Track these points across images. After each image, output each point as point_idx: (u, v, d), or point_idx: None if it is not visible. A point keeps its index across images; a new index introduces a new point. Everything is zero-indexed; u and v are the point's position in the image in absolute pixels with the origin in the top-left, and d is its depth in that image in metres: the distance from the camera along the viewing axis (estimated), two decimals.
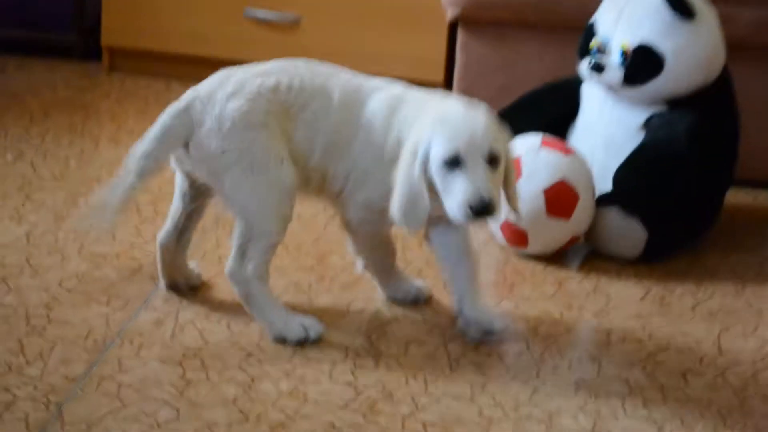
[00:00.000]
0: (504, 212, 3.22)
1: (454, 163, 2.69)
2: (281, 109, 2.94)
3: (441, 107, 2.82)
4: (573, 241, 3.61)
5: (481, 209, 2.67)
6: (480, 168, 2.68)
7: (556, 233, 3.55)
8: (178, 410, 2.53)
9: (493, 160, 2.71)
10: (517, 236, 3.57)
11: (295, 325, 2.90)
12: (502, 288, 3.45)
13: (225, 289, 3.14)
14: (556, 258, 3.62)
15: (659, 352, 3.10)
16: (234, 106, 2.91)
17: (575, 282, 3.50)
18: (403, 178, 2.77)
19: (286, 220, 2.92)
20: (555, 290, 3.43)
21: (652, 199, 3.55)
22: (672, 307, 3.36)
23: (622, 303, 3.38)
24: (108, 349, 2.81)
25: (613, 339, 3.15)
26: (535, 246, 3.58)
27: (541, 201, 3.50)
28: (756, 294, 3.47)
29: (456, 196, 2.69)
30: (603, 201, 3.59)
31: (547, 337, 3.14)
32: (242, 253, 2.89)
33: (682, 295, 3.44)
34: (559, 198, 3.51)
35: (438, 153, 2.70)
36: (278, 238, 2.91)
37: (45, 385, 2.60)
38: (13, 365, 2.68)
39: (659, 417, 2.74)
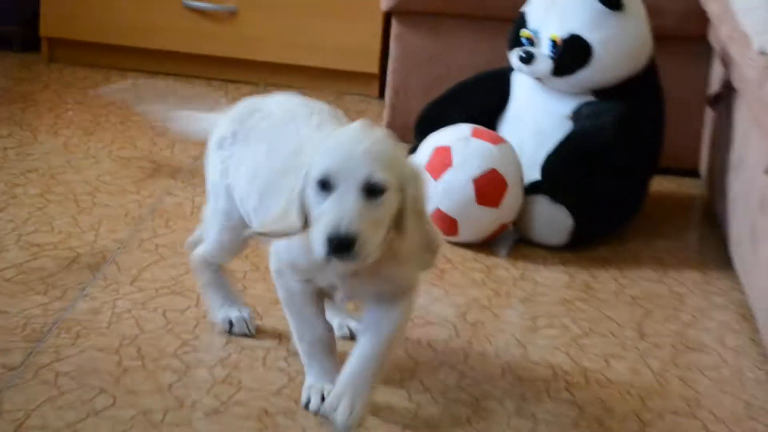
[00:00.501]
0: (431, 201, 3.29)
1: (324, 185, 2.26)
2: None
3: (338, 131, 2.42)
4: (502, 229, 3.65)
5: (339, 242, 2.19)
6: (350, 195, 2.22)
7: (485, 221, 3.60)
8: (114, 397, 2.53)
9: (372, 190, 2.23)
10: (447, 224, 3.60)
11: (222, 316, 2.87)
12: (432, 275, 3.43)
13: (161, 278, 3.17)
14: (485, 246, 3.66)
15: (583, 336, 3.15)
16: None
17: (503, 269, 3.53)
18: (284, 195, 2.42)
19: (228, 249, 2.86)
20: (483, 277, 3.46)
21: (578, 188, 3.61)
22: (596, 292, 3.41)
23: (549, 289, 3.42)
24: (45, 339, 2.78)
25: (539, 324, 3.20)
26: (465, 234, 3.62)
27: (471, 190, 3.54)
28: (677, 279, 3.52)
29: (318, 225, 2.25)
30: (531, 189, 3.65)
31: (475, 324, 3.17)
32: (202, 236, 2.90)
33: (606, 281, 3.49)
34: (489, 187, 3.56)
35: (312, 173, 2.29)
36: (217, 258, 2.87)
37: None
38: None
39: (582, 400, 2.79)
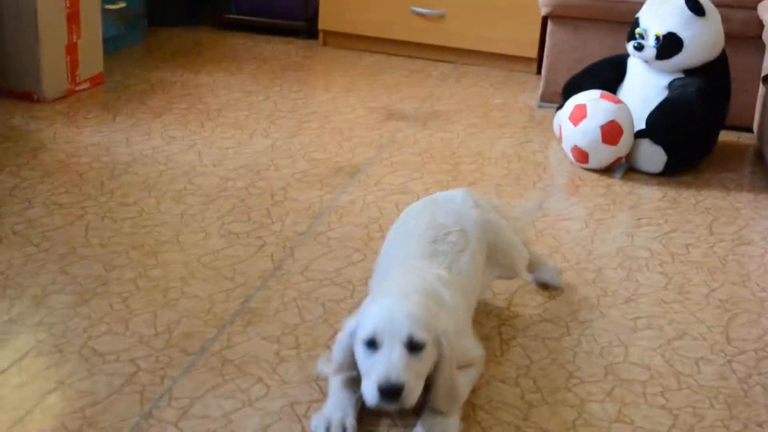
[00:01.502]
0: (570, 139, 3.31)
1: (371, 344, 1.89)
2: None
3: (381, 298, 2.00)
4: (617, 161, 3.64)
5: (388, 390, 1.83)
6: (396, 351, 1.86)
7: (607, 154, 3.59)
8: (269, 387, 2.11)
9: (414, 347, 1.88)
10: (581, 156, 3.62)
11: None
12: (571, 188, 3.47)
13: (322, 270, 2.65)
14: (606, 171, 3.65)
15: (670, 232, 3.16)
16: None
17: (617, 186, 3.53)
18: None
19: None
20: (605, 191, 3.47)
21: (671, 134, 3.58)
22: (680, 204, 3.39)
23: (648, 200, 3.42)
24: (225, 326, 2.34)
25: (641, 223, 3.22)
26: (593, 163, 3.62)
27: (598, 133, 3.54)
28: (736, 198, 3.49)
29: (369, 377, 1.87)
30: (638, 135, 3.62)
31: (598, 221, 3.19)
32: None
33: (687, 197, 3.47)
34: (610, 132, 3.55)
35: (359, 334, 1.92)
36: None
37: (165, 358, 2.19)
38: (143, 337, 2.27)
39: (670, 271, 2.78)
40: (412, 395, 1.86)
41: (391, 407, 1.88)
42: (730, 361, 2.37)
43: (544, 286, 2.65)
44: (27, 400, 2.03)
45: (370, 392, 1.85)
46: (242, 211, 3.02)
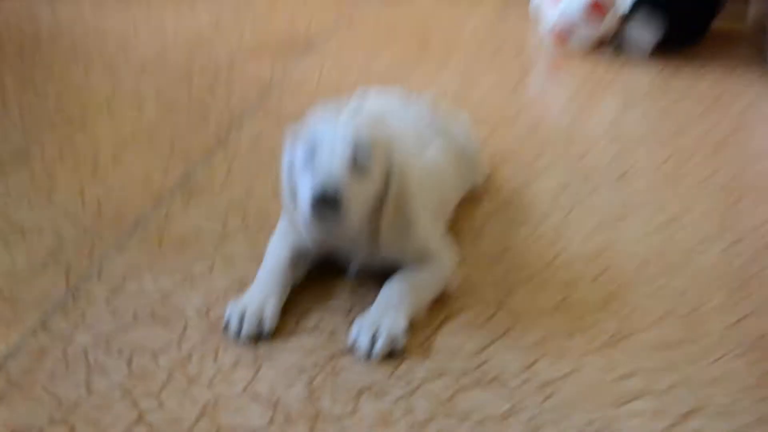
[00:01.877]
0: (550, 16, 3.24)
1: (312, 154, 1.77)
2: None
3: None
4: (605, 40, 3.61)
5: (324, 198, 1.69)
6: (336, 157, 1.74)
7: (591, 32, 3.57)
8: (213, 264, 2.03)
9: (359, 166, 1.76)
10: (562, 35, 3.59)
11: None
12: (551, 70, 3.46)
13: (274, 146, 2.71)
14: (593, 51, 3.61)
15: (669, 104, 3.14)
16: None
17: (603, 70, 3.48)
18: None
19: None
20: (589, 73, 3.42)
21: (665, 8, 3.53)
22: (673, 86, 3.35)
23: (639, 83, 3.38)
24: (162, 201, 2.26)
25: (628, 105, 3.16)
26: (576, 42, 3.58)
27: (582, 8, 3.51)
28: (733, 83, 3.44)
29: (305, 184, 1.76)
30: (627, 12, 3.56)
31: (583, 104, 3.14)
32: None
33: (683, 77, 3.43)
34: (595, 5, 3.51)
35: (300, 145, 1.82)
36: None
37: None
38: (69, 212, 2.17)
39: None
40: (352, 213, 1.73)
41: (330, 226, 1.73)
42: (727, 248, 2.30)
43: None
44: None
45: (305, 204, 1.72)
46: (182, 84, 2.94)
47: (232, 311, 1.80)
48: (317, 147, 1.76)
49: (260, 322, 1.78)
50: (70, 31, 3.16)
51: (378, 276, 1.94)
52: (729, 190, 2.58)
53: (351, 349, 1.77)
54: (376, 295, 1.88)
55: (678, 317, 1.98)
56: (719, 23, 3.91)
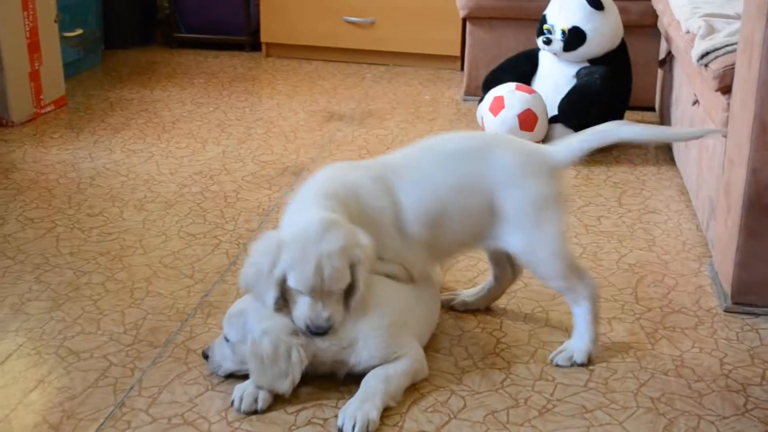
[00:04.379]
0: (491, 128, 3.35)
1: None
2: None
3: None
4: None
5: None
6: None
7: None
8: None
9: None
10: None
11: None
12: None
13: None
14: None
15: (584, 206, 3.21)
16: None
17: None
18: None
19: None
20: None
21: (580, 118, 3.61)
22: (593, 180, 3.46)
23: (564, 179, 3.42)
24: (187, 319, 2.36)
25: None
26: None
27: (516, 121, 3.60)
28: (642, 171, 3.56)
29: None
30: (552, 120, 3.69)
31: None
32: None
33: (599, 173, 3.53)
34: (527, 119, 3.62)
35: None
36: None
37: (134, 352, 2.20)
38: (114, 334, 2.27)
39: None
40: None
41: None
42: (638, 319, 2.44)
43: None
44: (11, 399, 2.04)
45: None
46: (198, 214, 3.05)
47: (237, 392, 1.98)
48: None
49: (255, 401, 1.96)
50: (106, 177, 3.24)
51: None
52: (636, 270, 2.70)
53: None
54: (342, 388, 2.04)
55: (595, 385, 2.12)
56: (632, 115, 4.03)
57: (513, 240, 2.15)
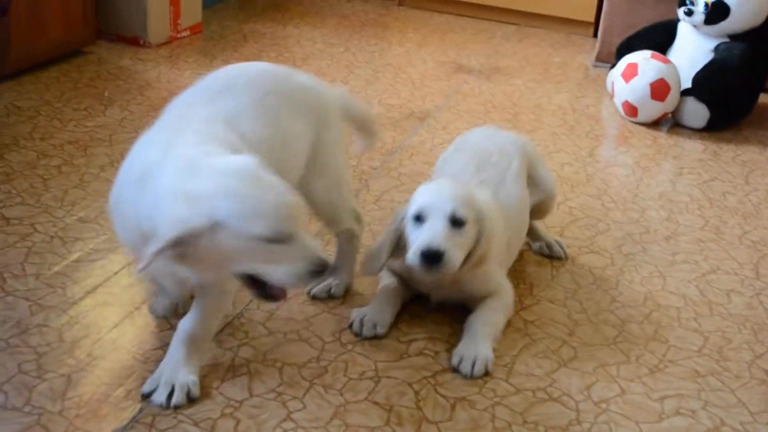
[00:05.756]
0: (621, 95, 3.33)
1: (418, 218, 1.96)
2: None
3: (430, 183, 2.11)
4: (664, 116, 3.64)
5: (429, 255, 1.90)
6: (439, 223, 1.94)
7: (655, 110, 3.59)
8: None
9: (456, 222, 1.95)
10: (631, 110, 3.62)
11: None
12: (620, 139, 3.48)
13: (393, 200, 2.96)
14: (654, 125, 3.65)
15: (710, 180, 3.17)
16: None
17: (663, 139, 3.53)
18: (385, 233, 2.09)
19: None
20: (651, 142, 3.48)
21: (715, 93, 3.56)
22: (720, 157, 3.40)
23: (690, 152, 3.43)
24: None
25: (683, 172, 3.22)
26: (642, 117, 3.62)
27: (647, 90, 3.54)
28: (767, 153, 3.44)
29: (414, 244, 1.94)
30: (685, 93, 3.61)
31: (644, 169, 3.22)
32: None
33: (726, 151, 3.47)
34: (659, 89, 3.55)
35: (409, 211, 1.99)
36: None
37: None
38: None
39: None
40: (452, 262, 1.91)
41: (433, 272, 1.92)
42: (758, 294, 2.41)
43: (549, 256, 2.49)
44: (135, 298, 2.12)
45: (413, 257, 1.92)
46: None
47: (355, 316, 2.05)
48: (423, 211, 1.96)
49: (375, 327, 2.02)
50: None
51: (451, 307, 2.13)
52: (759, 248, 2.66)
53: (455, 371, 1.95)
54: (453, 325, 2.08)
55: (708, 352, 2.10)
56: (767, 98, 3.95)
57: None
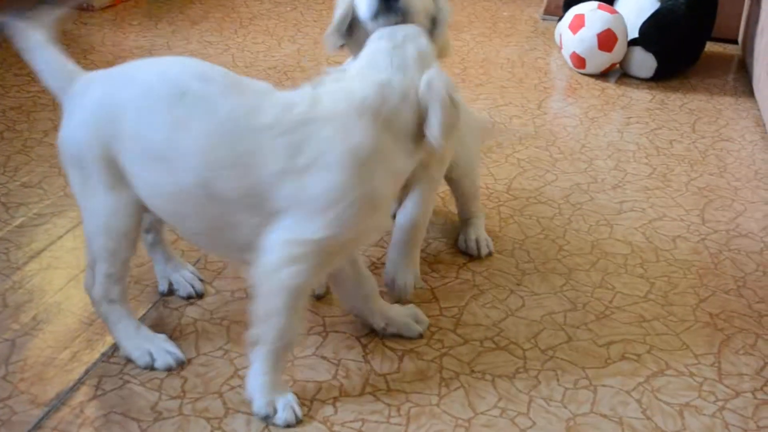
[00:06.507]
0: (569, 46, 3.34)
1: None
2: None
3: None
4: (612, 66, 3.66)
5: None
6: None
7: (603, 60, 3.61)
8: None
9: None
10: (579, 62, 3.64)
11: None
12: (568, 90, 3.48)
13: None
14: (602, 76, 3.67)
15: (657, 129, 3.19)
16: None
17: (611, 90, 3.55)
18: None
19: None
20: (599, 93, 3.49)
21: (661, 42, 3.58)
22: (667, 105, 3.42)
23: (639, 102, 3.44)
24: None
25: (631, 121, 3.24)
26: (590, 68, 3.64)
27: (594, 41, 3.56)
28: (719, 101, 3.51)
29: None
30: (632, 43, 3.62)
31: (591, 119, 3.23)
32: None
33: (674, 99, 3.49)
34: (606, 39, 3.56)
35: None
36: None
37: None
38: None
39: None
40: (412, 10, 1.70)
41: (390, 19, 1.70)
42: (703, 239, 2.43)
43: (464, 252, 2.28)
44: (79, 260, 2.10)
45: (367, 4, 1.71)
46: None
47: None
48: None
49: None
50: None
51: None
52: (705, 194, 2.69)
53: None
54: None
55: (654, 297, 2.12)
56: (713, 47, 3.97)
57: None
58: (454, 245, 2.27)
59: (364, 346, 1.87)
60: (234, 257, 1.67)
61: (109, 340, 1.82)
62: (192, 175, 1.53)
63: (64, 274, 2.03)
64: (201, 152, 1.52)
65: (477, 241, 2.23)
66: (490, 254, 2.23)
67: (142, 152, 1.56)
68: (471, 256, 2.22)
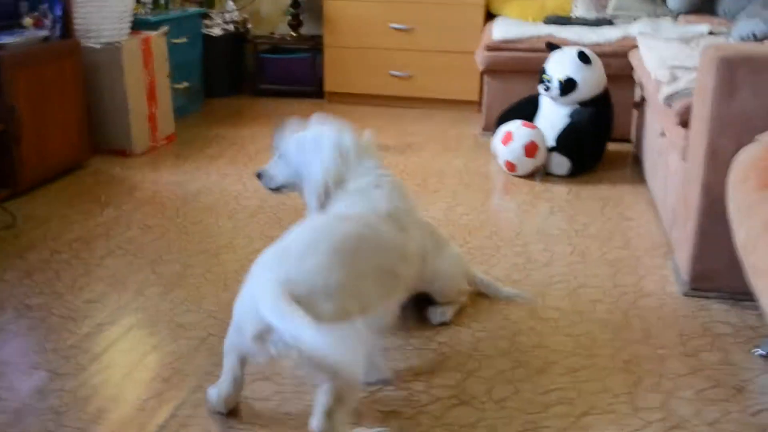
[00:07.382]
0: (502, 156, 3.39)
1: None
2: None
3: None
4: (537, 169, 3.69)
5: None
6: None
7: (529, 165, 3.64)
8: None
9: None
10: (511, 167, 3.67)
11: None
12: (504, 190, 3.50)
13: None
14: (530, 177, 3.69)
15: (575, 215, 3.21)
16: None
17: (537, 187, 3.57)
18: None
19: None
20: (528, 190, 3.51)
21: (573, 148, 3.64)
22: (581, 195, 3.44)
23: (558, 194, 3.46)
24: None
25: (554, 211, 3.26)
26: (519, 171, 3.67)
27: (522, 150, 3.60)
28: (620, 189, 3.52)
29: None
30: (550, 149, 3.67)
31: (524, 211, 3.24)
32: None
33: (586, 190, 3.51)
34: (531, 148, 3.61)
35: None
36: None
37: None
38: (211, 312, 2.32)
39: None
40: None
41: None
42: (615, 301, 2.45)
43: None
44: (133, 359, 2.11)
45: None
46: (275, 221, 3.08)
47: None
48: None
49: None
50: (205, 194, 3.30)
51: None
52: (614, 264, 2.71)
53: None
54: None
55: (580, 351, 2.14)
56: (613, 146, 4.03)
57: None
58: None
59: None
60: None
61: (155, 422, 1.81)
62: None
63: (120, 372, 2.04)
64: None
65: (441, 313, 2.21)
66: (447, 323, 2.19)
67: None
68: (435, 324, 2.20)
